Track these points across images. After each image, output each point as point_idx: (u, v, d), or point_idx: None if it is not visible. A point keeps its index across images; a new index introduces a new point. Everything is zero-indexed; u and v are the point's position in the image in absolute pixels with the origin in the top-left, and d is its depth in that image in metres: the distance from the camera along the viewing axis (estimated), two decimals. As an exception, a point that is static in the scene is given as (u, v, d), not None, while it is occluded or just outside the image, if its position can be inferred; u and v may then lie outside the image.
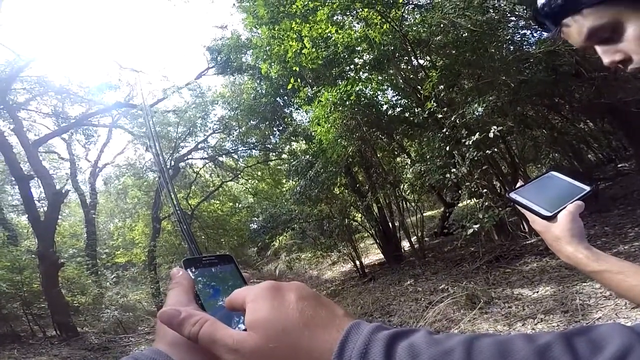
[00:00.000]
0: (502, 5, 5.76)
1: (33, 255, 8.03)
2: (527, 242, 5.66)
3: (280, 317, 0.30)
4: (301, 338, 0.29)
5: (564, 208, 0.60)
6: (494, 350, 0.26)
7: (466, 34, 5.62)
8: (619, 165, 9.00)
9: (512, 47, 5.80)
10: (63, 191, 9.18)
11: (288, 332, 0.29)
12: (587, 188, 0.63)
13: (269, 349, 0.29)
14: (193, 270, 0.42)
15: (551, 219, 0.60)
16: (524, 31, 5.84)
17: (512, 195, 0.66)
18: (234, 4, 10.16)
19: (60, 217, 10.40)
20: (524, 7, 5.30)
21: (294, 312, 0.30)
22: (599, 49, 0.54)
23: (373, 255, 10.18)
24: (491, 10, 5.65)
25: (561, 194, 0.63)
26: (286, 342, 0.29)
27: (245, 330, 0.32)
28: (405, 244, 8.67)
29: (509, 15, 5.57)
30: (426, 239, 8.41)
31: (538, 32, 5.36)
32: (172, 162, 12.55)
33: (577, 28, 0.54)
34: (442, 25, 5.69)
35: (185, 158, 13.69)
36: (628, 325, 0.27)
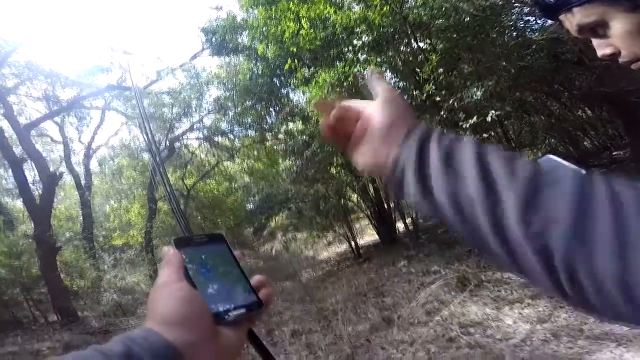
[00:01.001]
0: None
1: (30, 240, 7.94)
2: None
3: (399, 107, 0.45)
4: (403, 120, 0.43)
5: None
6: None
7: (468, 19, 5.49)
8: (614, 153, 9.06)
9: (514, 34, 5.70)
10: (57, 174, 9.11)
11: (402, 116, 0.44)
12: (582, 172, 0.66)
13: (390, 122, 0.43)
14: (184, 249, 0.42)
15: None
16: (528, 18, 5.72)
17: None
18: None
19: (55, 200, 10.34)
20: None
21: (405, 104, 0.46)
22: (594, 42, 0.59)
23: (368, 236, 10.34)
24: (495, -5, 5.51)
25: None
26: (398, 119, 0.43)
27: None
28: (401, 226, 8.79)
29: (513, 1, 5.44)
30: (421, 220, 8.52)
31: (542, 19, 5.27)
32: (168, 143, 12.41)
33: (570, 25, 0.58)
34: (444, 9, 5.55)
35: (181, 138, 13.55)
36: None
